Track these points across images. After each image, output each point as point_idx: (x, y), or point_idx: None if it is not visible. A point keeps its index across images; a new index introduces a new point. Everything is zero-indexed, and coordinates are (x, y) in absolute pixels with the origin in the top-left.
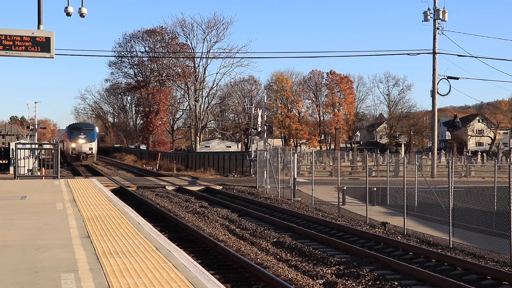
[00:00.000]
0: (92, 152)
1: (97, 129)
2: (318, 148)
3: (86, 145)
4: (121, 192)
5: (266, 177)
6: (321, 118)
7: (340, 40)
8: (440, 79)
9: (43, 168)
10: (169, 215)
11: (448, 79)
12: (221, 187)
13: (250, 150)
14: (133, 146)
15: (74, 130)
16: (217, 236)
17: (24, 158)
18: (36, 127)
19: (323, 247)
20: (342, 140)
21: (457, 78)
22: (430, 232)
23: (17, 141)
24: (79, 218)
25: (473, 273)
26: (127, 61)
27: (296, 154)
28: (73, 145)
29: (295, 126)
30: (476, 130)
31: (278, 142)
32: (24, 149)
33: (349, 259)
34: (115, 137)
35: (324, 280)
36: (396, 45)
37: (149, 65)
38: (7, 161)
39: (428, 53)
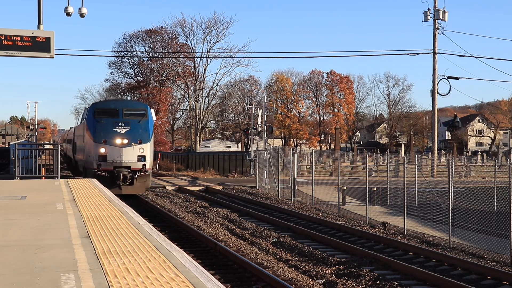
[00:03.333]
0: (144, 165)
1: (153, 114)
2: (318, 148)
3: (132, 151)
4: None
5: (266, 177)
6: (321, 118)
7: (340, 40)
8: (440, 79)
9: (43, 168)
10: (169, 215)
11: (448, 79)
12: (221, 187)
13: (250, 150)
14: None
15: (104, 117)
16: (217, 236)
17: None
18: (36, 127)
19: (323, 247)
20: (342, 140)
21: (457, 78)
22: (430, 232)
23: (17, 141)
24: (79, 218)
25: (473, 273)
26: (127, 61)
27: (296, 154)
28: (102, 149)
29: (295, 126)
30: (476, 130)
31: (278, 142)
32: (24, 149)
33: (349, 259)
34: None
35: (324, 280)
36: (396, 45)
37: (149, 65)
38: (7, 161)
39: (428, 53)
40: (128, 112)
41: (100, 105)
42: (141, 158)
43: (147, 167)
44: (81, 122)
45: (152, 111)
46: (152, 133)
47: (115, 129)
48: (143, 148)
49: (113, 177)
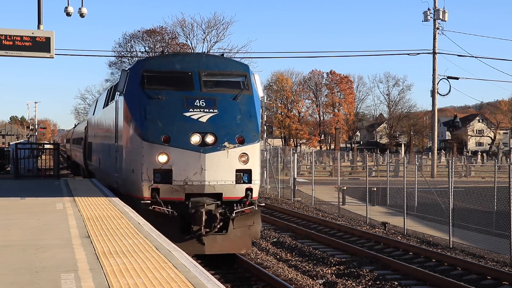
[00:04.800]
0: (250, 190)
1: (258, 85)
2: (318, 148)
3: (224, 159)
4: None
5: (266, 177)
6: (321, 118)
7: (340, 40)
8: (440, 79)
9: (43, 169)
10: None
11: (448, 79)
12: None
13: None
14: None
15: (162, 87)
16: None
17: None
18: (36, 127)
19: (323, 247)
20: (342, 140)
21: (457, 78)
22: (430, 232)
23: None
24: (79, 218)
25: (473, 273)
26: (127, 61)
27: (296, 154)
28: (162, 157)
29: (295, 126)
30: (476, 130)
31: (278, 142)
32: (25, 149)
33: (349, 259)
34: None
35: (324, 280)
36: (396, 45)
37: None
38: (7, 161)
39: (428, 53)
40: (212, 78)
41: (155, 65)
42: (244, 174)
43: (255, 194)
44: (106, 102)
45: (257, 77)
46: (260, 119)
47: (186, 114)
48: (246, 154)
49: (185, 216)
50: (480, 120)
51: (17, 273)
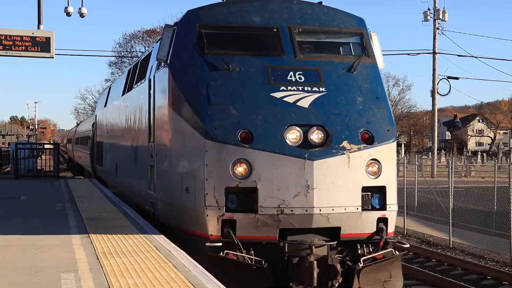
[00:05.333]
0: (384, 222)
1: (378, 52)
2: None
3: (339, 168)
4: None
5: None
6: None
7: None
8: (440, 79)
9: (43, 168)
10: None
11: (448, 79)
12: None
13: None
14: None
15: (233, 52)
16: None
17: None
18: (36, 127)
19: None
20: None
21: (457, 78)
22: (430, 232)
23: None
24: (79, 218)
25: (473, 273)
26: (127, 61)
27: None
28: (240, 166)
29: None
30: (476, 130)
31: None
32: (24, 149)
33: None
34: None
35: None
36: (396, 45)
37: None
38: (6, 162)
39: (428, 53)
40: (311, 38)
41: (219, 16)
42: (374, 195)
43: (390, 229)
44: (130, 85)
45: (376, 39)
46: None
47: (276, 94)
48: (377, 161)
49: (279, 268)
50: (480, 120)
51: (17, 273)
